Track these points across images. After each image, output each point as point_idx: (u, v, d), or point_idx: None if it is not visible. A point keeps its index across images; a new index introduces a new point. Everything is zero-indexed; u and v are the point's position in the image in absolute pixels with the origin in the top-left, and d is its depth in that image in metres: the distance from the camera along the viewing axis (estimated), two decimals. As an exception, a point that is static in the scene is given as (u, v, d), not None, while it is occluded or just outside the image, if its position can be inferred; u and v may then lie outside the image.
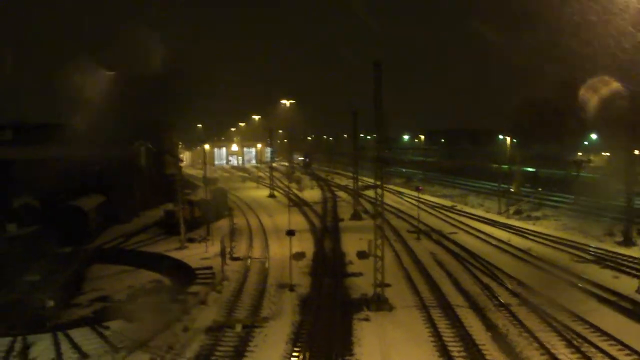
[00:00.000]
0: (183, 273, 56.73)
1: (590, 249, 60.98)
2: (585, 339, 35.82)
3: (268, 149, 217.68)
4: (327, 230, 75.37)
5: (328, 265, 57.20)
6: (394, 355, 34.28)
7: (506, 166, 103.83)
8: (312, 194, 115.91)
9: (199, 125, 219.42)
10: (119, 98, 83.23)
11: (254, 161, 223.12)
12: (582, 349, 34.15)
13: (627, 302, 42.98)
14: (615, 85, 65.05)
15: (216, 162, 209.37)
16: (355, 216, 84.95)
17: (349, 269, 55.33)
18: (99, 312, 49.15)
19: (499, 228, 74.77)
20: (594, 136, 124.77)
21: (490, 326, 38.61)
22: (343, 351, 34.71)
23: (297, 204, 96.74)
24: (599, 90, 70.09)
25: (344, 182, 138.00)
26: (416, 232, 70.71)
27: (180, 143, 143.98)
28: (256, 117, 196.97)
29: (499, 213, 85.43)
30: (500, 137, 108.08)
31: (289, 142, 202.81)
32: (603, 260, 56.45)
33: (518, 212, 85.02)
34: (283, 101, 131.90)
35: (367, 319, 40.65)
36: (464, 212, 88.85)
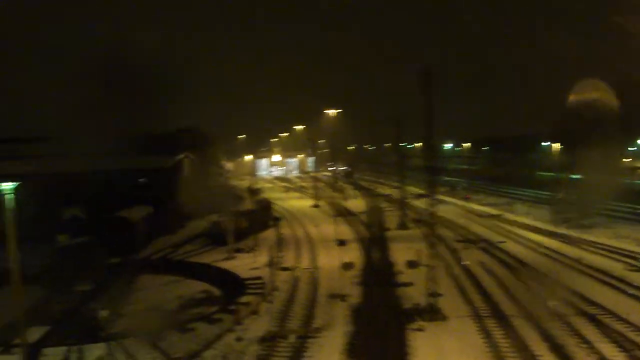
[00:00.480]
0: (232, 283, 56.61)
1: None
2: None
3: (310, 159, 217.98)
4: (374, 240, 74.80)
5: (378, 274, 56.62)
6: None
7: (552, 173, 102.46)
8: (356, 203, 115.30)
9: (242, 136, 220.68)
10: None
11: (295, 171, 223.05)
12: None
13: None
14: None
15: (258, 173, 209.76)
16: (402, 225, 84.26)
17: (399, 279, 54.64)
18: (151, 321, 49.12)
19: (548, 236, 73.60)
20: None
21: (547, 337, 37.78)
22: (399, 360, 34.33)
23: (342, 213, 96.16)
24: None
25: (387, 191, 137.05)
26: (464, 241, 69.89)
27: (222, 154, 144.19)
28: (298, 128, 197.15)
29: (554, 222, 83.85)
30: (545, 143, 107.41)
31: (331, 152, 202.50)
32: (659, 269, 55.30)
33: (567, 220, 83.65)
34: (328, 111, 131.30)
35: (421, 329, 40.01)
36: (511, 220, 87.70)
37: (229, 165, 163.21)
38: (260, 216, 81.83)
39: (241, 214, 78.74)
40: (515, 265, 58.51)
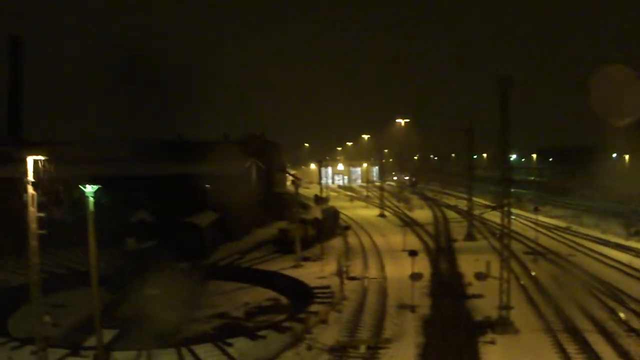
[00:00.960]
0: (300, 292, 56.39)
1: None
2: None
3: (374, 169, 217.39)
4: (441, 251, 73.99)
5: (446, 286, 55.90)
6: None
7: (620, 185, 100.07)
8: (422, 213, 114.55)
9: (306, 144, 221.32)
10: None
11: (359, 180, 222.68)
12: None
13: None
14: None
15: (322, 181, 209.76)
16: (470, 237, 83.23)
17: (468, 291, 53.88)
18: (219, 328, 49.29)
19: (618, 250, 71.87)
20: None
21: (622, 353, 36.69)
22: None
23: (408, 223, 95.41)
24: None
25: (453, 202, 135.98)
26: (533, 254, 68.61)
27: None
28: (365, 137, 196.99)
29: (624, 235, 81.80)
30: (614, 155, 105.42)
31: (396, 161, 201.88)
32: None
33: (638, 233, 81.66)
34: (399, 120, 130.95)
35: (492, 342, 39.23)
36: (580, 233, 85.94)
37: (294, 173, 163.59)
38: (327, 224, 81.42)
39: (308, 222, 78.40)
40: (586, 279, 57.17)
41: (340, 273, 54.59)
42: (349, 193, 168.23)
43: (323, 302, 50.13)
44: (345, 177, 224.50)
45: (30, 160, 24.44)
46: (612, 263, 64.21)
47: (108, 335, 43.18)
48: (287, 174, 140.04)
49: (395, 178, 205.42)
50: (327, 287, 54.99)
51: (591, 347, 37.54)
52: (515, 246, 74.45)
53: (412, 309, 47.53)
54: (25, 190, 24.99)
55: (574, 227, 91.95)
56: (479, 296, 51.24)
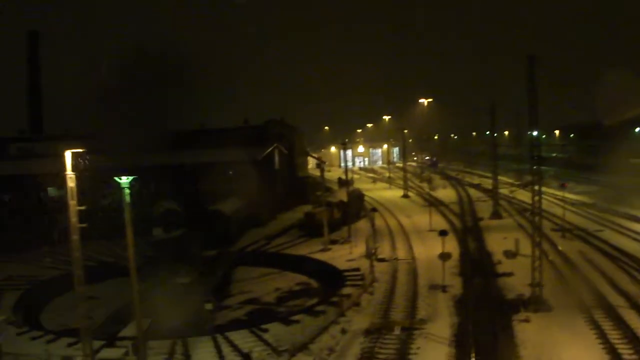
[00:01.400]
0: (330, 275, 56.40)
1: None
2: None
3: (395, 150, 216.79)
4: (468, 230, 73.66)
5: (476, 265, 55.65)
6: (564, 358, 32.71)
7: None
8: (445, 193, 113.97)
9: (326, 128, 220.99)
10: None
11: (379, 162, 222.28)
12: None
13: None
14: None
15: (342, 164, 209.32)
16: (496, 215, 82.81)
17: (498, 269, 53.57)
18: (251, 314, 49.42)
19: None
20: None
21: (659, 328, 36.50)
22: (509, 354, 33.46)
23: (433, 203, 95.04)
24: None
25: (475, 180, 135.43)
26: (561, 231, 68.12)
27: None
28: (386, 118, 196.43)
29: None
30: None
31: (416, 141, 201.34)
32: None
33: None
34: (421, 100, 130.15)
35: (527, 320, 38.98)
36: (606, 209, 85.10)
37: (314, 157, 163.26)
38: (353, 207, 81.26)
39: (334, 205, 78.24)
40: (615, 254, 56.70)
41: (369, 255, 54.50)
42: (370, 175, 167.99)
43: (354, 284, 50.04)
44: (366, 159, 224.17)
45: (68, 153, 24.43)
46: (641, 238, 63.57)
47: (144, 324, 43.43)
48: (311, 158, 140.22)
49: (415, 158, 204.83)
50: (357, 269, 54.92)
51: (626, 323, 37.14)
52: (543, 223, 74.08)
53: (444, 289, 47.39)
54: (62, 184, 25.02)
55: (600, 203, 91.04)
56: (509, 274, 51.05)
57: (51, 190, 79.42)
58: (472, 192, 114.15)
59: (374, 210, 75.99)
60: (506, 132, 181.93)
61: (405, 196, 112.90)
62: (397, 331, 38.35)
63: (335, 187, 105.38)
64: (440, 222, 78.07)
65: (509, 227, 72.42)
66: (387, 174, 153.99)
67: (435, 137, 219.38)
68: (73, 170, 24.87)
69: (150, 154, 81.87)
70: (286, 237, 76.45)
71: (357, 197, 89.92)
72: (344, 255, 61.97)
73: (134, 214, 30.58)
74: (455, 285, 48.79)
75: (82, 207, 24.89)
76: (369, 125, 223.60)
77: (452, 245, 62.61)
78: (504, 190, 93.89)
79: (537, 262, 42.88)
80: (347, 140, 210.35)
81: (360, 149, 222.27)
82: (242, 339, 38.59)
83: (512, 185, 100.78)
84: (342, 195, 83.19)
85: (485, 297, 45.30)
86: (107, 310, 49.09)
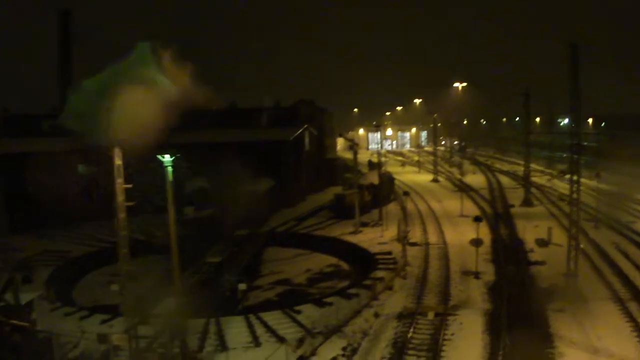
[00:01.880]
0: (361, 258, 56.21)
1: None
2: None
3: (423, 133, 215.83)
4: (499, 217, 73.05)
5: (508, 252, 55.10)
6: (600, 350, 32.27)
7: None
8: (475, 178, 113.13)
9: (355, 110, 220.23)
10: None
11: (407, 145, 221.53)
12: None
13: None
14: None
15: (370, 147, 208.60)
16: (526, 202, 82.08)
17: (531, 257, 53.06)
18: (283, 295, 49.38)
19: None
20: None
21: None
22: (544, 343, 33.15)
23: (462, 189, 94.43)
24: None
25: (505, 167, 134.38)
26: (593, 221, 67.31)
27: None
28: (417, 101, 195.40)
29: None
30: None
31: (445, 126, 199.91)
32: None
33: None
34: (456, 84, 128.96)
35: (561, 310, 38.45)
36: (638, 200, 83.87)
37: (340, 140, 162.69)
38: (383, 190, 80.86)
39: (365, 187, 77.86)
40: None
41: (401, 239, 54.25)
42: (399, 158, 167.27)
43: (387, 268, 49.83)
44: (394, 142, 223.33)
45: None
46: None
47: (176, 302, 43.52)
48: (339, 139, 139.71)
49: (443, 142, 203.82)
50: (389, 253, 54.66)
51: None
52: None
53: (476, 275, 47.13)
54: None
55: (632, 194, 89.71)
56: (542, 263, 50.55)
57: (81, 167, 79.60)
58: (503, 178, 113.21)
59: (406, 194, 75.48)
60: (537, 119, 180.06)
61: (435, 180, 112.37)
62: (430, 316, 38.17)
63: (364, 169, 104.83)
64: (470, 208, 77.61)
65: (540, 215, 71.76)
66: (415, 158, 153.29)
67: (465, 122, 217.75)
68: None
69: (181, 131, 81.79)
70: (316, 218, 76.30)
71: (388, 180, 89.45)
72: (375, 238, 61.72)
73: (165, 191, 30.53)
74: (488, 272, 48.47)
75: (129, 185, 24.71)
76: (399, 108, 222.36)
77: (483, 232, 62.07)
78: (539, 179, 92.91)
79: (573, 252, 42.41)
80: (375, 122, 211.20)
81: (389, 132, 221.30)
82: (275, 319, 38.53)
83: (543, 173, 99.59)
84: (372, 178, 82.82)
85: (519, 285, 44.85)
86: (139, 286, 49.11)
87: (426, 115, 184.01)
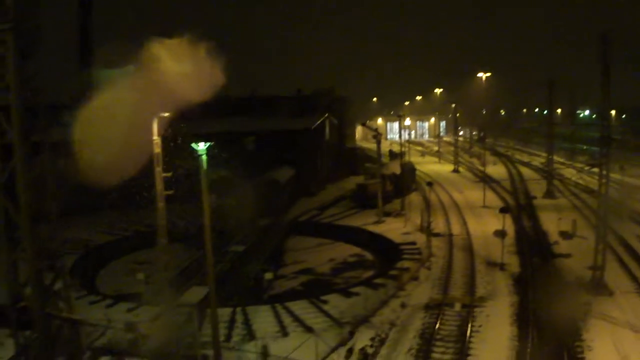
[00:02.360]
0: (385, 248, 56.08)
1: None
2: None
3: (442, 123, 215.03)
4: (521, 208, 72.57)
5: (532, 244, 54.70)
6: (625, 343, 31.93)
7: None
8: (495, 169, 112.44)
9: (374, 99, 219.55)
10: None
11: (426, 135, 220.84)
12: None
13: None
14: None
15: (389, 136, 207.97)
16: (549, 194, 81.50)
17: (555, 249, 52.67)
18: (307, 284, 49.33)
19: None
20: None
21: None
22: (572, 336, 32.91)
23: (484, 179, 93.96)
24: None
25: (525, 158, 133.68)
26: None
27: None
28: (438, 91, 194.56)
29: None
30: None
31: (465, 116, 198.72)
32: None
33: None
34: (480, 74, 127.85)
35: (588, 303, 38.11)
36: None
37: (358, 129, 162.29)
38: (405, 180, 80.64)
39: (387, 177, 77.61)
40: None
41: (425, 229, 54.11)
42: (419, 148, 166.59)
43: (411, 258, 49.71)
44: (413, 131, 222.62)
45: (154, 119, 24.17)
46: None
47: (202, 291, 43.48)
48: (364, 129, 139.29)
49: (461, 133, 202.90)
50: (414, 243, 54.56)
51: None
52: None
53: (501, 267, 46.81)
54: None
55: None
56: (567, 255, 50.09)
57: None
58: (524, 170, 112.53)
59: (430, 184, 75.14)
60: (559, 110, 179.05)
61: (456, 171, 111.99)
62: (457, 307, 38.02)
63: (385, 159, 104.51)
64: (492, 199, 77.17)
65: (563, 207, 71.12)
66: (435, 148, 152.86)
67: (484, 112, 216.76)
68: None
69: (204, 120, 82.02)
70: (337, 207, 76.14)
71: (410, 170, 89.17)
72: (399, 228, 61.57)
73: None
74: (513, 263, 48.09)
75: (169, 174, 24.66)
76: (418, 98, 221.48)
77: (506, 223, 61.70)
78: (565, 171, 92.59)
79: (601, 245, 42.04)
80: (392, 112, 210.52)
81: (407, 121, 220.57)
82: (302, 309, 38.51)
83: (570, 166, 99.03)
84: (394, 168, 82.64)
85: (544, 277, 44.53)
86: (165, 276, 49.17)
87: (445, 105, 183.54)
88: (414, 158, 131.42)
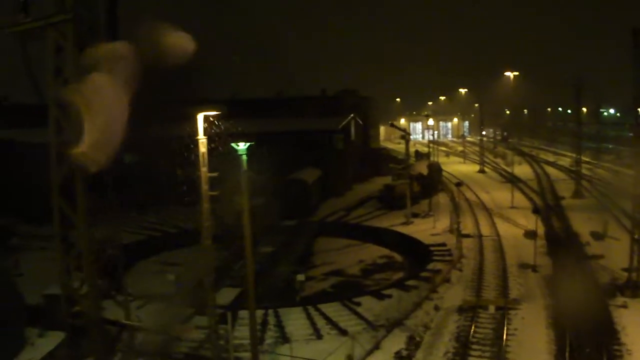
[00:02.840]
0: (415, 249, 55.75)
1: None
2: None
3: (465, 123, 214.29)
4: (550, 209, 71.94)
5: (564, 245, 54.13)
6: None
7: None
8: (521, 169, 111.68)
9: (398, 99, 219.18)
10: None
11: (449, 135, 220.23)
12: None
13: None
14: None
15: (412, 137, 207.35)
16: (577, 194, 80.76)
17: (587, 251, 52.04)
18: (338, 286, 49.11)
19: None
20: None
21: None
22: (610, 339, 32.44)
23: (510, 180, 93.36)
24: None
25: (550, 158, 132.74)
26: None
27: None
28: (462, 91, 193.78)
29: None
30: None
31: (489, 116, 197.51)
32: None
33: None
34: (507, 73, 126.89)
35: (624, 306, 37.58)
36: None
37: (381, 129, 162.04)
38: (432, 180, 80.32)
39: (414, 177, 77.20)
40: None
41: (455, 230, 53.76)
42: (443, 148, 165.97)
43: (442, 260, 49.40)
44: (435, 132, 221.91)
45: (200, 116, 23.90)
46: None
47: (232, 293, 43.43)
48: (387, 129, 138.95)
49: (484, 132, 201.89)
50: (444, 244, 54.20)
51: None
52: (629, 204, 71.98)
53: (534, 268, 46.34)
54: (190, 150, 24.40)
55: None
56: (600, 257, 49.29)
57: (127, 156, 79.63)
58: (550, 170, 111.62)
59: (459, 184, 74.64)
60: (584, 109, 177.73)
61: (482, 171, 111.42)
62: (491, 310, 37.63)
63: (411, 160, 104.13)
64: (520, 199, 76.67)
65: (592, 208, 70.30)
66: (459, 148, 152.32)
67: (507, 112, 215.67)
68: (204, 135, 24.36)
69: (232, 121, 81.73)
70: (364, 208, 75.88)
71: (436, 171, 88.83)
72: (428, 229, 61.19)
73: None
74: (545, 265, 47.58)
75: (215, 174, 24.43)
76: (442, 98, 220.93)
77: (535, 223, 61.33)
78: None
79: (635, 246, 41.47)
80: (414, 112, 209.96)
81: (430, 122, 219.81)
82: (334, 311, 38.26)
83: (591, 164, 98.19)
84: (421, 168, 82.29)
85: (578, 279, 44.03)
86: (194, 277, 49.02)
87: (469, 105, 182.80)
88: (439, 158, 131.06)
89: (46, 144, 19.49)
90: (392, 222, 65.90)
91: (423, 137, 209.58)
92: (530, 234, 52.93)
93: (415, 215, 67.35)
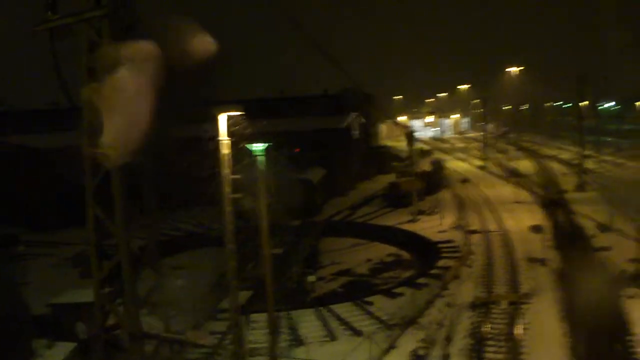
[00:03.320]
0: (423, 246, 55.76)
1: None
2: None
3: (464, 120, 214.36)
4: (554, 202, 71.90)
5: (570, 238, 54.14)
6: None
7: None
8: (523, 164, 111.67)
9: (398, 97, 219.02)
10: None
11: (448, 132, 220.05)
12: None
13: None
14: None
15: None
16: (580, 187, 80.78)
17: (594, 243, 52.10)
18: (347, 286, 49.11)
19: None
20: None
21: None
22: (622, 331, 32.53)
23: (513, 174, 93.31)
24: None
25: (551, 152, 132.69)
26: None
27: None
28: (462, 87, 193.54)
29: None
30: None
31: (492, 111, 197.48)
32: None
33: None
34: (510, 68, 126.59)
35: (635, 297, 37.64)
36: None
37: (382, 127, 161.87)
38: (436, 177, 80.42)
39: (418, 175, 77.24)
40: None
41: (462, 226, 53.84)
42: (443, 145, 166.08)
43: (450, 257, 49.44)
44: (436, 129, 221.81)
45: (223, 117, 23.74)
46: None
47: (244, 296, 43.31)
48: (388, 127, 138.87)
49: (487, 127, 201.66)
50: (451, 241, 54.22)
51: None
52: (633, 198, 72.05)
53: (542, 262, 46.29)
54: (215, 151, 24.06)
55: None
56: (607, 249, 49.23)
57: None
58: (551, 164, 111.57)
59: (465, 181, 74.64)
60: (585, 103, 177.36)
61: (483, 167, 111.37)
62: (503, 305, 37.70)
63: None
64: (523, 194, 76.70)
65: (595, 201, 70.25)
66: (459, 144, 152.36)
67: (507, 108, 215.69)
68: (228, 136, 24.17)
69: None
70: (370, 207, 75.95)
71: (439, 168, 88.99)
72: (434, 226, 61.19)
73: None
74: (553, 258, 47.48)
75: (237, 176, 24.26)
76: (440, 95, 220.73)
77: (540, 218, 61.47)
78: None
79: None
80: (414, 109, 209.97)
81: (430, 119, 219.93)
82: (347, 312, 38.31)
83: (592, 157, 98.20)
84: (424, 166, 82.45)
85: (586, 271, 44.03)
86: (201, 280, 49.08)
87: (468, 102, 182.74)
88: (441, 155, 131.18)
89: (48, 150, 19.46)
90: (398, 219, 65.97)
91: (424, 134, 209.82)
92: (537, 228, 53.07)
93: (421, 213, 67.36)
